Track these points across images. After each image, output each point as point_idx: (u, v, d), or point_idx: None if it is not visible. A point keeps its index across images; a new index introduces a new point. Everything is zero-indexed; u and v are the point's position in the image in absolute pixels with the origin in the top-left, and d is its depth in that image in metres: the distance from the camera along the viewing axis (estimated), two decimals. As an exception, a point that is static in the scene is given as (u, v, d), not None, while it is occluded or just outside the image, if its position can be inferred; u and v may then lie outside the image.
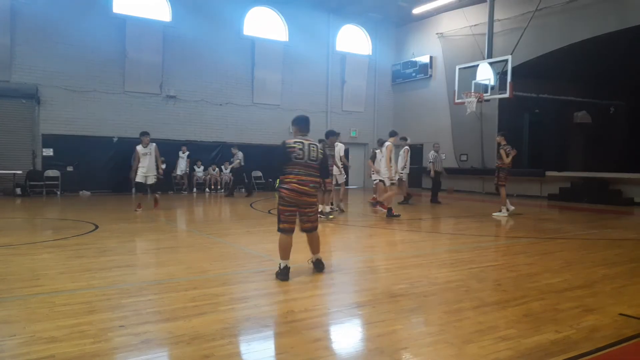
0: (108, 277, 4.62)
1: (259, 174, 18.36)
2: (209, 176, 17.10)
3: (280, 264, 4.61)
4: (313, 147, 4.70)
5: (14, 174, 14.20)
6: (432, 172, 13.65)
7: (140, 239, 7.11)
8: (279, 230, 4.67)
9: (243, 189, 16.72)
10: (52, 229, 8.32)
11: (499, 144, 10.54)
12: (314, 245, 4.89)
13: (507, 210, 10.46)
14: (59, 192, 14.84)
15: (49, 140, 15.00)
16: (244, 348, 3.01)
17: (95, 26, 15.47)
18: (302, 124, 4.92)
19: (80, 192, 15.32)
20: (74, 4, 15.21)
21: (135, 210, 10.21)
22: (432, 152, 13.76)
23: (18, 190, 14.16)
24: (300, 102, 19.49)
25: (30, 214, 10.39)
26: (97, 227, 7.89)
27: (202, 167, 17.12)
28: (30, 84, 14.67)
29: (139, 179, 10.26)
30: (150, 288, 4.26)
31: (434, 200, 13.76)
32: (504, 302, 3.94)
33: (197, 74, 17.33)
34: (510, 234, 8.29)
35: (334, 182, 10.95)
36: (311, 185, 4.66)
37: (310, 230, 4.83)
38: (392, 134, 10.24)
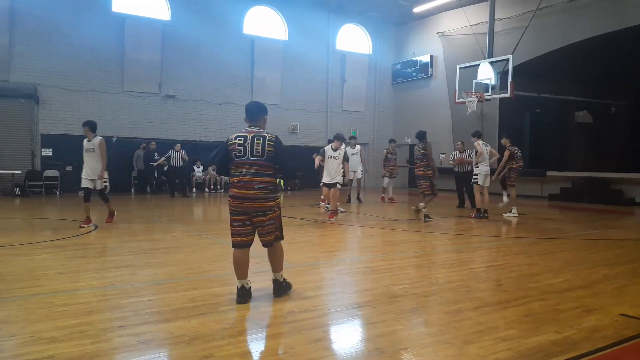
0: (107, 278, 4.61)
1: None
2: (208, 176, 17.07)
3: (237, 285, 3.85)
4: (258, 140, 3.77)
5: (13, 174, 14.19)
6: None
7: (139, 239, 7.10)
8: (232, 245, 3.92)
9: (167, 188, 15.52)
10: (51, 229, 8.32)
11: (504, 146, 10.65)
12: (272, 262, 3.99)
13: (510, 212, 10.50)
14: (58, 192, 14.82)
15: (48, 140, 14.99)
16: (244, 348, 2.99)
17: (94, 25, 15.45)
18: (247, 113, 3.97)
19: (80, 192, 15.24)
20: (73, 3, 15.19)
21: (81, 227, 7.87)
22: (456, 151, 12.65)
23: (17, 190, 14.15)
24: (300, 102, 19.50)
25: (30, 214, 10.39)
26: (96, 227, 7.88)
27: (201, 167, 17.09)
28: (29, 83, 14.65)
29: (84, 183, 8.18)
30: (150, 288, 4.25)
31: (472, 204, 11.96)
32: (505, 303, 3.93)
33: (196, 73, 17.31)
34: (511, 234, 8.28)
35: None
36: (257, 187, 3.74)
37: (266, 244, 3.93)
38: (478, 134, 10.33)
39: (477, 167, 10.08)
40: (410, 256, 5.98)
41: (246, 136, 3.81)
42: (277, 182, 4.02)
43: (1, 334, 3.06)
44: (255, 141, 3.78)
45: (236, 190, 3.79)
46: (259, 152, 3.77)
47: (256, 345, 3.06)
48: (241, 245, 3.86)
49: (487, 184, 10.10)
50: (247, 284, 3.87)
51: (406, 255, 6.01)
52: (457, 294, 4.17)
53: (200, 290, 4.18)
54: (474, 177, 10.20)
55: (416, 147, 9.55)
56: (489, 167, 10.15)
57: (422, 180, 9.42)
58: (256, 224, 3.84)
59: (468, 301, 3.95)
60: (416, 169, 9.56)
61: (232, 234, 3.88)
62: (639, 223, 10.76)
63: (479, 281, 4.72)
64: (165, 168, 15.25)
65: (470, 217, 10.01)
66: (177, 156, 14.76)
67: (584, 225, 9.59)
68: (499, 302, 3.96)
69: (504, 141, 10.70)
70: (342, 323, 3.47)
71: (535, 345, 3.01)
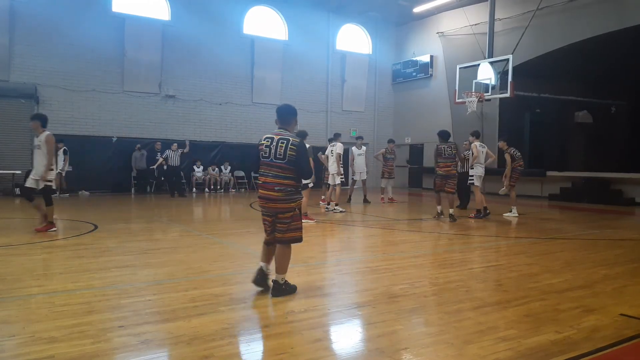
0: (107, 278, 4.61)
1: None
2: (208, 176, 17.07)
3: (257, 267, 4.16)
4: (282, 143, 3.90)
5: (13, 174, 14.20)
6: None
7: (139, 239, 7.09)
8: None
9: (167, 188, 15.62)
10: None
11: (501, 150, 10.64)
12: (277, 262, 4.06)
13: (510, 211, 10.51)
14: (57, 192, 14.80)
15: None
16: (243, 348, 3.00)
17: (94, 25, 15.45)
18: (278, 115, 4.13)
19: (80, 192, 15.30)
20: (73, 3, 15.19)
21: (36, 230, 7.13)
22: (466, 152, 11.65)
23: (17, 190, 14.14)
24: (300, 102, 19.44)
25: (30, 214, 10.36)
26: (96, 227, 7.87)
27: (201, 167, 17.09)
28: (29, 83, 14.65)
29: (28, 182, 7.22)
30: (150, 288, 4.25)
31: (462, 205, 11.91)
32: (505, 303, 3.93)
33: (196, 73, 17.31)
34: (511, 234, 8.28)
35: (332, 182, 10.94)
36: (277, 188, 3.90)
37: (282, 241, 4.03)
38: (477, 134, 10.27)
39: (473, 168, 10.12)
40: (410, 256, 5.98)
41: (273, 138, 3.97)
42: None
43: (1, 334, 3.06)
44: (279, 144, 3.92)
45: (261, 190, 4.03)
46: (281, 155, 3.90)
47: (256, 345, 3.05)
48: (267, 242, 4.19)
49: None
50: (266, 268, 4.12)
51: (406, 255, 6.01)
52: (457, 294, 4.17)
53: (200, 290, 4.18)
54: (470, 178, 10.21)
55: (443, 146, 9.45)
56: (484, 169, 10.17)
57: (453, 179, 9.48)
58: (278, 220, 4.03)
59: (468, 301, 3.95)
60: (446, 169, 9.43)
61: (264, 230, 4.20)
62: (639, 223, 10.75)
63: (479, 281, 4.72)
64: (165, 167, 15.28)
65: (470, 217, 10.02)
66: (175, 156, 14.75)
67: (584, 225, 9.59)
68: (499, 302, 3.96)
69: (501, 144, 10.67)
70: (342, 323, 3.47)
71: (535, 345, 3.01)
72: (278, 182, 3.91)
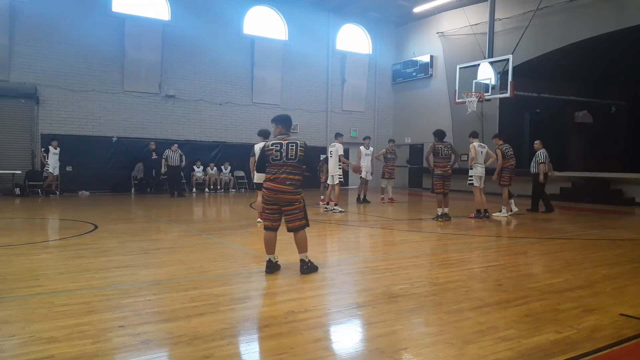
0: (107, 278, 4.61)
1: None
2: (207, 176, 17.08)
3: (266, 260, 4.78)
4: (292, 146, 4.66)
5: (13, 174, 14.21)
6: (541, 176, 11.40)
7: (139, 239, 7.09)
8: (264, 227, 4.86)
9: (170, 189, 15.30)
10: (51, 229, 8.30)
11: (499, 145, 10.61)
12: (298, 245, 4.81)
13: (511, 210, 10.49)
14: (58, 192, 14.82)
15: (48, 140, 14.97)
16: (243, 348, 3.00)
17: (94, 25, 15.47)
18: (283, 123, 4.90)
19: (79, 192, 15.31)
20: (73, 3, 15.20)
21: None
22: (543, 150, 11.56)
23: (17, 190, 14.15)
24: (300, 102, 19.49)
25: (30, 214, 10.38)
26: (96, 227, 7.87)
27: (201, 167, 17.10)
28: (29, 83, 14.65)
29: None
30: (150, 288, 4.25)
31: (534, 208, 11.75)
32: (505, 303, 3.93)
33: (196, 74, 17.32)
34: (510, 234, 8.28)
35: (329, 182, 10.94)
36: (288, 182, 4.62)
37: (293, 230, 4.76)
38: (475, 134, 10.32)
39: (472, 169, 10.10)
40: (410, 256, 5.98)
41: (281, 143, 4.69)
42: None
43: (1, 334, 3.06)
44: (290, 147, 4.66)
45: (271, 184, 4.66)
46: (292, 156, 4.65)
47: (256, 345, 3.05)
48: (271, 228, 4.78)
49: (482, 185, 10.12)
50: (274, 258, 4.78)
51: (406, 255, 6.01)
52: (457, 294, 4.17)
53: (200, 290, 4.18)
54: (469, 178, 10.18)
55: (440, 146, 9.52)
56: (484, 169, 10.15)
57: (450, 179, 9.61)
58: (285, 212, 4.72)
59: (468, 301, 3.95)
60: (444, 168, 9.52)
61: (265, 219, 4.82)
62: (639, 223, 10.75)
63: (479, 281, 4.72)
64: (164, 169, 15.32)
65: (470, 217, 10.02)
66: (175, 156, 14.75)
67: (584, 225, 9.59)
68: (499, 302, 3.96)
69: (495, 141, 10.70)
70: (342, 323, 3.47)
71: (535, 345, 3.01)
72: (289, 178, 4.63)
